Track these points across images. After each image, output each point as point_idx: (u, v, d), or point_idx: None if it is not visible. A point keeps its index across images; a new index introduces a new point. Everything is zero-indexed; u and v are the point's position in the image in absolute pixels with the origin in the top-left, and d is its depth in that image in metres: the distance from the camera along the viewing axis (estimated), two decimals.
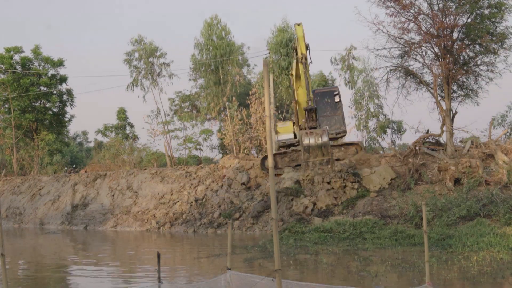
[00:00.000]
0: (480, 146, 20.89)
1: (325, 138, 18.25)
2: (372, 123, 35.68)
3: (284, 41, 34.18)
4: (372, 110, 35.15)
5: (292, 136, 23.84)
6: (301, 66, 18.87)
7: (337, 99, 22.71)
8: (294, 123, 24.04)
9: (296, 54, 20.05)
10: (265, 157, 23.96)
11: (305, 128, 19.00)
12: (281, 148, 24.27)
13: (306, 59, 19.03)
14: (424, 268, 7.22)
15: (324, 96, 22.90)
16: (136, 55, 36.48)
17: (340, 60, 35.99)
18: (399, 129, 35.59)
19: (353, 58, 35.58)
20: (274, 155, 23.80)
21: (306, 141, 18.35)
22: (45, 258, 17.16)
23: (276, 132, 24.09)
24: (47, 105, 37.72)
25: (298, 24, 19.59)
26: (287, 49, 34.14)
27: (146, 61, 36.37)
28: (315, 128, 19.00)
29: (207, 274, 11.86)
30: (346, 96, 52.93)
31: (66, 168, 39.54)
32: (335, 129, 22.68)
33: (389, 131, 36.36)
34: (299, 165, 22.65)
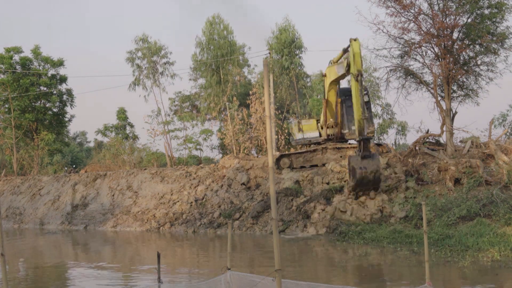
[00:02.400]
0: (480, 146, 20.89)
1: (380, 168, 17.34)
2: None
3: (288, 40, 34.23)
4: (373, 110, 35.15)
5: (317, 134, 23.81)
6: (355, 84, 17.47)
7: (365, 98, 22.47)
8: (318, 121, 23.97)
9: (348, 68, 18.68)
10: (281, 156, 23.93)
11: (362, 158, 17.25)
12: (302, 146, 24.39)
13: (362, 75, 17.58)
14: (424, 268, 7.21)
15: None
16: (139, 53, 36.46)
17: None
18: (403, 130, 35.60)
19: None
20: (289, 155, 23.86)
21: (359, 174, 17.19)
22: (45, 258, 17.16)
23: (299, 130, 24.04)
24: (47, 105, 37.74)
25: (355, 40, 17.95)
26: (290, 48, 34.19)
27: (149, 60, 36.34)
28: (369, 157, 17.28)
29: (207, 274, 11.86)
30: None
31: (66, 168, 39.55)
32: (365, 130, 22.60)
33: (392, 131, 36.39)
34: (315, 165, 22.67)
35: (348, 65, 18.46)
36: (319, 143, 23.72)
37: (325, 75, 22.65)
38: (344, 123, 22.65)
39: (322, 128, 23.60)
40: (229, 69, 34.56)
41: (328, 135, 23.26)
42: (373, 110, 34.78)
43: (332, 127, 23.06)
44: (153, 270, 12.35)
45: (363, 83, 18.28)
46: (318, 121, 24.37)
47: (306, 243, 16.79)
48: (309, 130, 24.00)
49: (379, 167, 17.45)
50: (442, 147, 21.66)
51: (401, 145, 36.56)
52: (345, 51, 19.74)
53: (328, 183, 20.89)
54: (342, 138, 23.14)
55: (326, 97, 22.85)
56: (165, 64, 36.76)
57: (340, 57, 20.96)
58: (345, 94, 22.78)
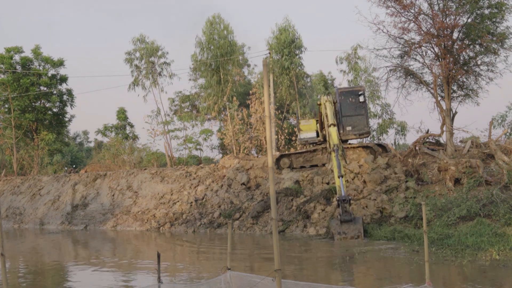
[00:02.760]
0: (480, 146, 20.89)
1: (361, 233, 15.76)
2: (373, 123, 35.69)
3: (288, 40, 34.22)
4: (372, 110, 35.14)
5: (314, 134, 23.79)
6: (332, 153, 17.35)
7: (361, 99, 22.52)
8: (317, 121, 23.98)
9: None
10: (281, 156, 23.94)
11: (338, 220, 16.31)
12: (302, 146, 24.40)
13: (338, 148, 17.27)
14: (424, 268, 7.21)
15: (349, 96, 22.75)
16: (137, 54, 36.49)
17: (345, 58, 35.81)
18: (402, 130, 35.58)
19: (358, 58, 35.53)
20: (289, 155, 23.88)
21: (337, 238, 15.98)
22: (45, 258, 17.16)
23: (299, 130, 24.04)
24: (47, 105, 37.74)
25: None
26: (290, 48, 34.17)
27: (147, 61, 36.38)
28: (349, 221, 16.11)
29: (207, 274, 11.86)
30: None
31: (66, 168, 39.54)
32: (358, 130, 22.55)
33: (392, 131, 36.33)
34: (315, 165, 22.65)
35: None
36: (318, 144, 23.71)
37: (319, 104, 22.50)
38: (340, 123, 22.62)
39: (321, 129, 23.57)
40: (229, 69, 34.56)
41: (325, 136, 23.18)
42: (373, 110, 34.80)
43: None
44: (153, 270, 12.36)
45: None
46: (317, 121, 24.39)
47: (306, 243, 16.78)
48: (308, 130, 23.97)
49: (361, 232, 15.84)
50: (442, 147, 21.66)
51: (401, 145, 36.56)
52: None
53: (328, 183, 20.90)
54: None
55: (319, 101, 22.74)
56: (163, 64, 36.81)
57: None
58: (342, 95, 22.83)
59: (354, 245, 15.28)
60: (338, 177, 16.43)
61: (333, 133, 18.07)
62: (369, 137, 27.40)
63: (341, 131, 22.54)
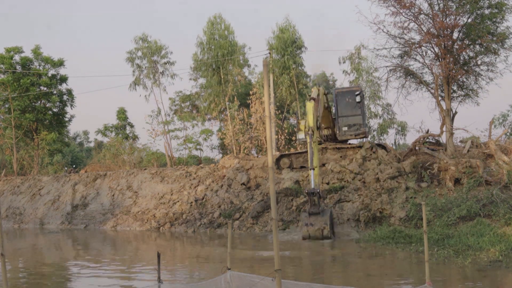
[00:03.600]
0: (480, 146, 20.90)
1: (327, 225, 16.05)
2: (373, 123, 35.70)
3: (289, 40, 34.24)
4: (373, 110, 35.15)
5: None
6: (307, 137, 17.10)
7: (358, 99, 22.45)
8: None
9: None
10: (281, 156, 23.92)
11: (310, 214, 16.45)
12: (302, 146, 24.37)
13: (313, 133, 17.13)
14: (424, 268, 7.22)
15: (345, 96, 22.70)
16: (139, 53, 36.45)
17: (348, 58, 35.73)
18: (402, 130, 35.57)
19: (360, 58, 35.50)
20: (289, 155, 23.86)
21: (304, 232, 16.36)
22: (45, 258, 17.16)
23: (298, 130, 23.90)
24: (47, 105, 37.74)
25: (309, 101, 17.98)
26: (291, 48, 34.17)
27: (149, 60, 36.33)
28: (317, 213, 16.37)
29: (207, 274, 11.86)
30: None
31: (66, 168, 39.55)
32: (353, 130, 22.42)
33: (392, 131, 36.32)
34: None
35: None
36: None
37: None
38: (336, 124, 22.61)
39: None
40: (230, 69, 34.57)
41: (326, 136, 23.10)
42: (373, 110, 34.82)
43: (327, 128, 22.92)
44: (153, 270, 12.35)
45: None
46: (299, 122, 24.17)
47: (306, 243, 16.77)
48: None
49: (326, 224, 16.09)
50: (442, 147, 21.67)
51: (401, 145, 36.56)
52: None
53: (328, 183, 20.90)
54: (335, 139, 23.13)
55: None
56: (166, 64, 36.78)
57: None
58: (338, 95, 22.81)
59: (354, 245, 15.28)
60: (310, 170, 16.42)
61: (309, 114, 17.27)
62: (369, 137, 27.32)
63: (338, 132, 22.52)
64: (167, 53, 36.70)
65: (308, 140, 16.70)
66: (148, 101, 37.39)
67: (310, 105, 17.55)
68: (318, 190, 16.43)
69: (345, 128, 22.43)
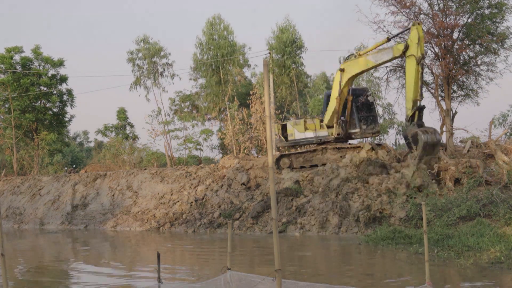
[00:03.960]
0: (480, 146, 20.90)
1: (439, 137, 18.95)
2: None
3: (289, 40, 34.24)
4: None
5: (312, 134, 23.53)
6: (417, 67, 18.64)
7: (370, 99, 22.71)
8: (321, 121, 23.36)
9: (405, 51, 19.10)
10: (281, 156, 23.88)
11: (419, 126, 18.80)
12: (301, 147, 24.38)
13: (424, 58, 19.17)
14: (424, 268, 7.22)
15: (359, 96, 22.77)
16: (140, 54, 36.58)
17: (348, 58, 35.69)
18: (403, 130, 35.53)
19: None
20: (289, 155, 23.81)
21: (424, 138, 18.38)
22: (46, 258, 17.16)
23: (306, 129, 23.70)
24: (47, 105, 37.73)
25: (419, 24, 18.97)
26: (291, 48, 34.17)
27: (149, 61, 36.47)
28: (424, 126, 18.94)
29: (207, 274, 11.86)
30: None
31: (66, 168, 39.54)
32: (370, 129, 22.71)
33: (392, 131, 36.32)
34: (315, 165, 22.55)
35: (406, 48, 19.10)
36: (318, 144, 23.52)
37: (343, 70, 21.59)
38: (353, 122, 22.55)
39: (327, 127, 23.09)
40: (230, 69, 34.60)
41: (338, 134, 22.60)
42: None
43: (341, 125, 22.57)
44: (153, 270, 12.35)
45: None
46: (306, 121, 24.00)
47: (306, 243, 16.79)
48: (302, 130, 23.74)
49: (436, 131, 18.96)
50: (442, 147, 21.66)
51: (401, 145, 36.55)
52: (388, 40, 20.39)
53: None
54: (349, 137, 23.07)
55: (339, 94, 21.80)
56: (165, 64, 36.90)
57: (374, 48, 20.71)
58: (355, 94, 22.70)
59: (354, 245, 15.28)
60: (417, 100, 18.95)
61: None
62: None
63: (357, 130, 22.59)
64: (166, 54, 36.84)
65: (420, 69, 18.81)
66: (149, 101, 37.44)
67: (421, 29, 18.62)
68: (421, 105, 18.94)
69: (364, 127, 22.55)
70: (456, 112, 22.15)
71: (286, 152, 24.58)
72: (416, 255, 12.97)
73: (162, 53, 36.57)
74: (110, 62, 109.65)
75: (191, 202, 23.39)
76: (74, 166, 46.28)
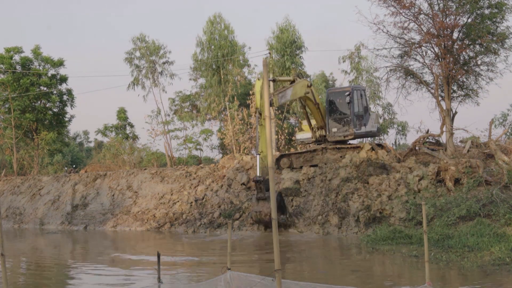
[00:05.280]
0: (480, 146, 20.90)
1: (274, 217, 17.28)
2: None
3: (289, 40, 34.27)
4: (373, 110, 35.14)
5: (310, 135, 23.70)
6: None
7: (347, 99, 22.34)
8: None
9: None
10: (281, 156, 23.89)
11: (255, 199, 17.72)
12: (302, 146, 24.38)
13: (260, 114, 17.40)
14: (423, 268, 7.22)
15: (337, 97, 22.69)
16: (138, 53, 36.51)
17: (348, 57, 35.71)
18: (403, 130, 35.60)
19: (360, 57, 35.48)
20: (289, 155, 23.81)
21: (254, 217, 17.75)
22: (45, 258, 17.16)
23: (300, 130, 23.89)
24: (47, 105, 37.74)
25: (258, 79, 18.93)
26: (291, 48, 34.21)
27: (147, 60, 36.40)
28: (264, 199, 17.36)
29: (207, 274, 11.86)
30: None
31: (66, 168, 39.55)
32: (342, 132, 22.28)
33: (392, 131, 36.35)
34: (315, 165, 22.52)
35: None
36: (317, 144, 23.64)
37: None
38: (326, 125, 22.65)
39: (313, 130, 23.35)
40: (230, 69, 34.61)
41: (320, 136, 23.00)
42: (373, 110, 34.82)
43: (319, 129, 22.89)
44: (153, 270, 12.35)
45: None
46: (301, 122, 24.28)
47: (306, 243, 16.79)
48: (308, 130, 23.90)
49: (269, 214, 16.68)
50: (442, 147, 21.66)
51: (401, 145, 36.59)
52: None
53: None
54: (319, 141, 23.18)
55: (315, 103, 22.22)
56: (164, 64, 36.84)
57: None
58: (330, 95, 22.80)
59: (354, 246, 15.29)
60: (256, 155, 17.37)
61: (257, 94, 17.86)
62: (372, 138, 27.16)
63: (327, 133, 22.54)
64: (165, 53, 36.78)
65: (255, 123, 17.37)
66: (146, 101, 37.43)
67: (258, 84, 17.98)
68: (262, 178, 17.03)
69: (335, 130, 22.39)
70: (456, 112, 22.16)
71: (286, 152, 24.63)
72: (416, 255, 12.95)
73: (161, 52, 36.54)
74: (110, 62, 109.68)
75: (191, 202, 23.39)
76: (74, 166, 46.30)
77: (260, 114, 17.22)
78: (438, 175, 18.60)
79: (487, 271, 10.96)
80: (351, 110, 22.26)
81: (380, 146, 22.85)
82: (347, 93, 22.20)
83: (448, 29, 20.77)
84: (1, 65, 35.65)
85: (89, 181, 28.33)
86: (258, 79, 18.15)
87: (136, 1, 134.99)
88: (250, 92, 33.33)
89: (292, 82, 20.48)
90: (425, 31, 21.18)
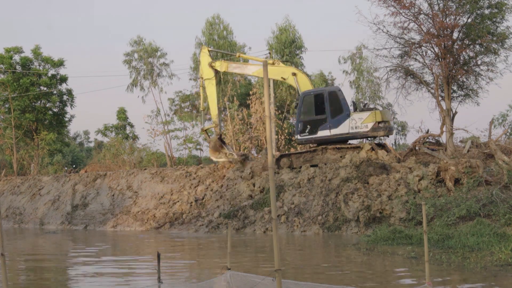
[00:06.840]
0: (480, 146, 20.90)
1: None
2: None
3: (288, 40, 34.29)
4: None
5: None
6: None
7: (299, 104, 22.41)
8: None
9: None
10: (281, 156, 23.88)
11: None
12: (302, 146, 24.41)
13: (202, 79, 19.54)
14: (424, 268, 7.22)
15: (310, 99, 22.46)
16: (136, 55, 36.63)
17: (348, 58, 35.72)
18: (403, 130, 35.63)
19: (360, 58, 35.50)
20: (289, 155, 23.79)
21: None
22: (45, 258, 17.15)
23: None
24: (47, 105, 37.75)
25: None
26: (290, 48, 34.23)
27: (146, 62, 36.50)
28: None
29: (207, 274, 11.86)
30: (349, 96, 52.76)
31: (66, 168, 39.56)
32: (307, 134, 22.30)
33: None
34: (315, 165, 22.48)
35: None
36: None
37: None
38: (296, 128, 22.83)
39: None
40: None
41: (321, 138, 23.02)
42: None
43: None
44: (153, 270, 12.35)
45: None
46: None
47: (306, 243, 16.80)
48: None
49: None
50: (442, 147, 21.66)
51: (401, 145, 36.62)
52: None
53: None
54: (300, 143, 23.34)
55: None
56: (162, 65, 36.94)
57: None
58: (304, 97, 22.67)
59: (354, 246, 15.28)
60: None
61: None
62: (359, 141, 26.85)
63: (296, 136, 22.69)
64: (163, 55, 36.88)
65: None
66: (145, 102, 37.59)
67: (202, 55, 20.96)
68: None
69: (306, 133, 22.38)
70: (456, 112, 22.16)
71: (286, 152, 24.63)
72: (416, 255, 12.95)
73: (158, 53, 36.63)
74: (110, 62, 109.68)
75: (191, 202, 23.39)
76: (74, 166, 46.32)
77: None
78: (438, 175, 18.60)
79: (487, 271, 10.95)
80: (297, 115, 22.70)
81: (381, 146, 22.83)
82: (325, 94, 22.11)
83: (448, 29, 20.78)
84: (1, 65, 35.66)
85: (89, 181, 28.33)
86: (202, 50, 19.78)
87: (136, 0, 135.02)
88: (250, 92, 33.37)
89: None
90: (425, 31, 21.19)
